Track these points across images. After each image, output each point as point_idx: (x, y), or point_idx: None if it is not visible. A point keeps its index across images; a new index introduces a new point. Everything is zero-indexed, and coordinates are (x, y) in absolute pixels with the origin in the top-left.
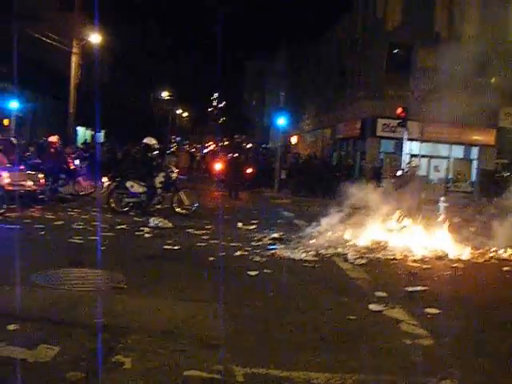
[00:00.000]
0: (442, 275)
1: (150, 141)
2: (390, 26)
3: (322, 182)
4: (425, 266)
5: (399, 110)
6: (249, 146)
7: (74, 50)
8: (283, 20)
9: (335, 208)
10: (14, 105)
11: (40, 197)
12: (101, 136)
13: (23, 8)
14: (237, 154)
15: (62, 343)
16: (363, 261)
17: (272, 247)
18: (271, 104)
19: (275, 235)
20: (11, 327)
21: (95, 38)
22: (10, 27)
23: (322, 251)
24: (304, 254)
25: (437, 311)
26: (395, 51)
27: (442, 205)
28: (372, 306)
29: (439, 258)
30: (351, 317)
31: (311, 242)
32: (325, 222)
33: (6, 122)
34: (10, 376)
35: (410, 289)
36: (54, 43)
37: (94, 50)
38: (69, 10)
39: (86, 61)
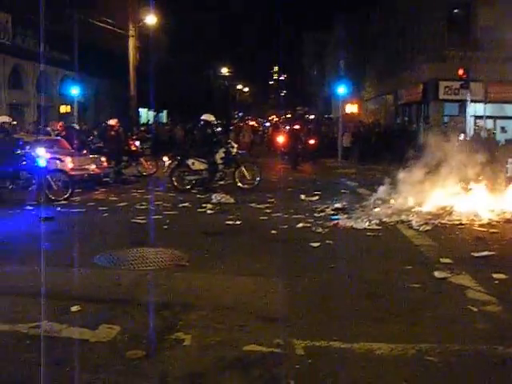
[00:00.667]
0: (510, 239)
1: (208, 117)
2: None
3: (386, 149)
4: (492, 230)
5: (461, 72)
6: (311, 117)
7: (131, 32)
8: None
9: (400, 175)
10: (75, 91)
11: (104, 179)
12: (163, 116)
13: None
14: (297, 126)
15: (123, 322)
16: (428, 227)
17: (335, 218)
18: (331, 74)
19: (338, 205)
20: (74, 308)
21: (151, 19)
22: (67, 14)
23: (386, 219)
24: (367, 223)
25: (504, 276)
26: (455, 11)
27: (510, 166)
28: (437, 273)
29: (507, 221)
30: (415, 285)
31: (374, 210)
32: (388, 189)
33: (64, 108)
34: (72, 356)
35: (477, 254)
36: (110, 27)
37: (149, 32)
38: None
39: (143, 43)
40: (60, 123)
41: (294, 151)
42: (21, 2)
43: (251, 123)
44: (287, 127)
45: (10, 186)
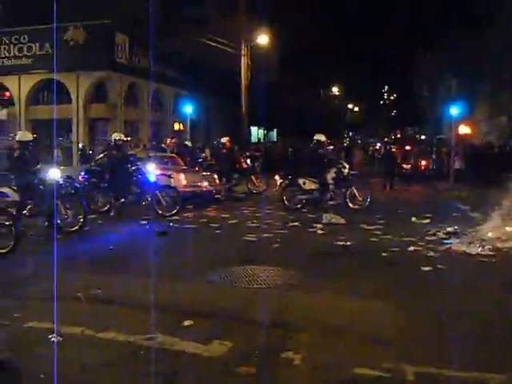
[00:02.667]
0: None
1: (320, 137)
2: None
3: (501, 171)
4: None
5: None
6: (422, 137)
7: (243, 52)
8: (452, 6)
9: None
10: (188, 109)
11: (215, 196)
12: (273, 135)
13: (196, 14)
14: (408, 147)
15: (235, 339)
16: None
17: (446, 241)
18: (443, 94)
19: (450, 229)
20: (187, 323)
21: (263, 39)
22: (181, 34)
23: (499, 245)
24: (480, 249)
25: None
26: None
27: None
28: None
29: None
30: None
31: (488, 235)
32: (503, 214)
33: (177, 126)
34: (185, 369)
35: None
36: (221, 47)
37: (261, 50)
38: (235, 13)
39: (254, 61)
40: (170, 140)
41: (389, 171)
42: (137, 24)
43: (362, 143)
44: (398, 147)
45: (122, 201)
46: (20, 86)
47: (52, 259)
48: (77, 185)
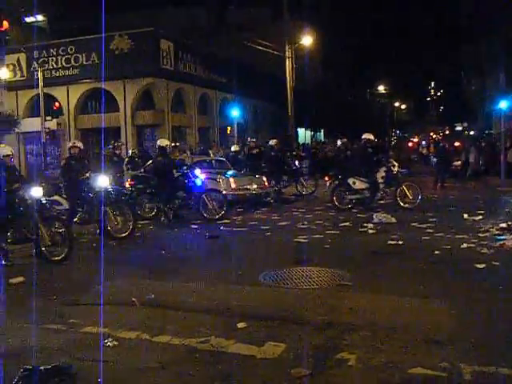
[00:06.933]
0: None
1: (368, 136)
2: None
3: None
4: None
5: None
6: (471, 133)
7: (287, 54)
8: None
9: None
10: (235, 113)
11: (265, 199)
12: (321, 135)
13: (239, 19)
14: (457, 143)
15: (288, 340)
16: None
17: (500, 238)
18: (492, 88)
19: (503, 225)
20: (240, 325)
21: (307, 40)
22: (226, 38)
23: None
24: None
25: None
26: None
27: None
28: None
29: None
30: None
31: None
32: None
33: (228, 130)
34: (240, 371)
35: None
36: (267, 50)
37: (305, 52)
38: (279, 15)
39: (299, 63)
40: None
41: (440, 169)
42: (181, 30)
43: (410, 141)
44: (446, 145)
45: (171, 206)
46: (68, 96)
47: (106, 265)
48: (125, 191)
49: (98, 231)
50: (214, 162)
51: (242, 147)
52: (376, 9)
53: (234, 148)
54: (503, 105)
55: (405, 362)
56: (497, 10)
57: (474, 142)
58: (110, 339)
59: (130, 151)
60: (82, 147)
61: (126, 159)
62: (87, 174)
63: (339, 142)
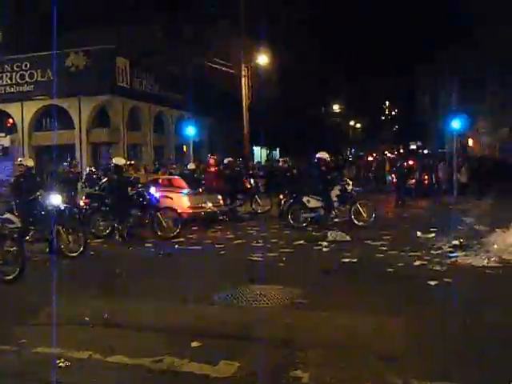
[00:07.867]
0: None
1: (322, 155)
2: None
3: (503, 183)
4: None
5: None
6: (425, 151)
7: (243, 72)
8: (451, 18)
9: None
10: (190, 131)
11: (220, 217)
12: (276, 154)
13: (195, 36)
14: (411, 162)
15: (242, 358)
16: None
17: (452, 255)
18: (445, 107)
19: (455, 242)
20: (194, 344)
21: (262, 59)
22: (181, 56)
23: (505, 256)
24: (486, 261)
25: None
26: None
27: None
28: None
29: None
30: None
31: (494, 247)
32: (509, 225)
33: (184, 148)
34: None
35: None
36: (222, 68)
37: (261, 70)
38: (235, 35)
39: (255, 81)
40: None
41: (398, 187)
42: (137, 47)
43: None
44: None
45: (124, 224)
46: (23, 113)
47: (58, 284)
48: (77, 209)
49: (47, 250)
50: (169, 180)
51: (198, 165)
52: (330, 27)
53: (190, 166)
54: (455, 124)
55: (358, 379)
56: (446, 30)
57: (439, 160)
58: (62, 359)
59: (88, 169)
60: (32, 165)
61: (84, 177)
62: (38, 193)
63: (281, 162)
